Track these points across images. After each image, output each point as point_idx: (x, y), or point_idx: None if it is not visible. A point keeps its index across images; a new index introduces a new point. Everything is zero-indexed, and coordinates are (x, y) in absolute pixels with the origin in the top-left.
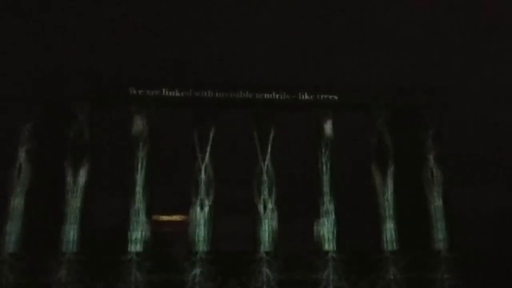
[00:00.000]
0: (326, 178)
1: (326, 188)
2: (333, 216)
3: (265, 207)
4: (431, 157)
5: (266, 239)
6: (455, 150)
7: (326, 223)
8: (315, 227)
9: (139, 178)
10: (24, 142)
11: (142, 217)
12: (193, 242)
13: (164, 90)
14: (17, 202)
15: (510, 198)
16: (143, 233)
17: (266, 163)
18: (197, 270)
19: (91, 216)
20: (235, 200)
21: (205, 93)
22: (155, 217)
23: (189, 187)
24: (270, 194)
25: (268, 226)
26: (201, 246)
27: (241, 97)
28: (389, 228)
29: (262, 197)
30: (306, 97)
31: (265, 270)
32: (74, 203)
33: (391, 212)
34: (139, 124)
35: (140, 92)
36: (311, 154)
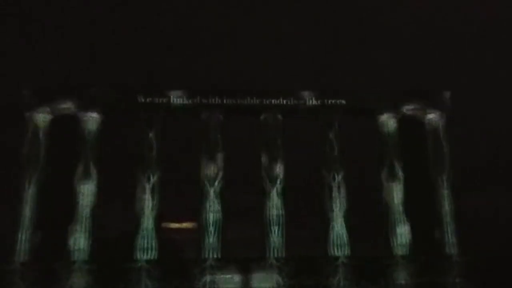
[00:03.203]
0: (335, 184)
1: (336, 194)
2: (343, 221)
3: (275, 213)
4: (441, 162)
5: (276, 245)
6: (466, 155)
7: (336, 228)
8: (325, 233)
9: (148, 186)
10: (33, 151)
11: (152, 225)
12: (203, 249)
13: (172, 97)
14: (27, 212)
15: None
16: (153, 241)
17: (274, 168)
18: (207, 277)
19: (101, 224)
20: (244, 206)
21: (213, 100)
22: (164, 224)
23: (198, 194)
24: (279, 200)
25: (278, 232)
26: (211, 253)
27: (249, 103)
28: (400, 233)
29: (271, 203)
30: (314, 102)
31: (275, 276)
32: (84, 212)
33: (402, 217)
34: (147, 131)
35: (148, 99)
36: (320, 158)
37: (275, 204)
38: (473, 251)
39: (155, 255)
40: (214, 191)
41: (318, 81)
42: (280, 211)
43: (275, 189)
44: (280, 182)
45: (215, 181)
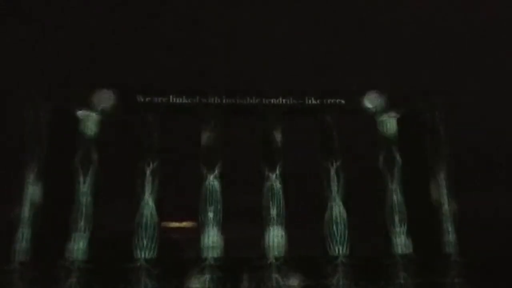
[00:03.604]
0: (334, 183)
1: (335, 193)
2: (343, 221)
3: (274, 213)
4: (441, 162)
5: (276, 244)
6: (466, 155)
7: (335, 228)
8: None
9: (148, 185)
10: (32, 150)
11: (151, 224)
12: (203, 248)
13: (171, 97)
14: (26, 211)
15: None
16: (152, 240)
17: (274, 167)
18: (207, 276)
19: (100, 224)
20: (244, 206)
21: (212, 100)
22: (164, 224)
23: (198, 194)
24: (279, 199)
25: (277, 231)
26: (211, 252)
27: (248, 103)
28: (400, 232)
29: (271, 202)
30: (313, 101)
31: (275, 276)
32: (83, 211)
33: (402, 217)
34: (146, 131)
35: (147, 99)
36: (319, 158)
37: (275, 204)
38: (473, 251)
39: (154, 254)
40: (214, 191)
41: (318, 81)
42: (280, 211)
43: (275, 189)
44: (280, 182)
45: (215, 181)
